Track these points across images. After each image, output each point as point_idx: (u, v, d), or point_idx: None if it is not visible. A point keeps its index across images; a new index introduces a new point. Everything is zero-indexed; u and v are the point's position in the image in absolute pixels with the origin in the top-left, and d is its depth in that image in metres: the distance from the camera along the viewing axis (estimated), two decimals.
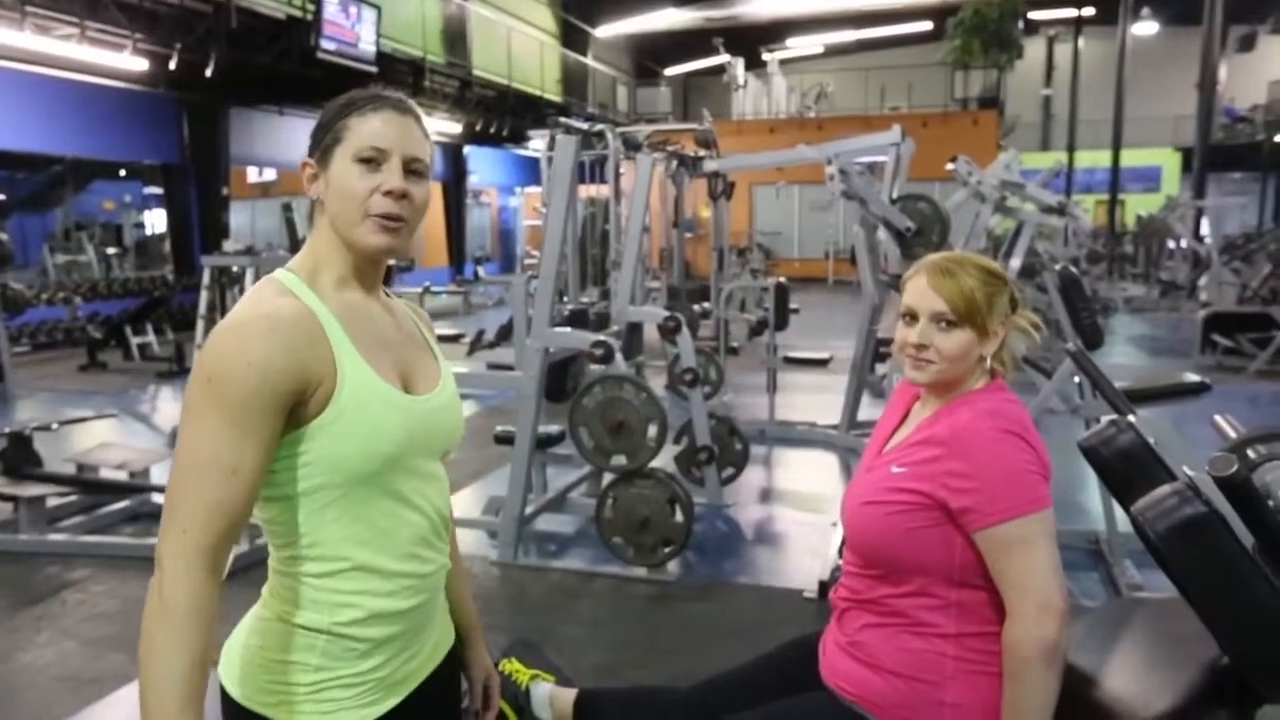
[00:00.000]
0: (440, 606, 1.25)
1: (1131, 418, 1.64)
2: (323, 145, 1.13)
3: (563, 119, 4.49)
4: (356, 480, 1.07)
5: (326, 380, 1.06)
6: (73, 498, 4.48)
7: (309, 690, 1.09)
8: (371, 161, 1.10)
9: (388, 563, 1.11)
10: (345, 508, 1.08)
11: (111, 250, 13.23)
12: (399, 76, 12.58)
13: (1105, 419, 1.56)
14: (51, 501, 4.28)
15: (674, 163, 6.52)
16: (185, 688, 0.99)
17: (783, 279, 6.47)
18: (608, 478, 3.98)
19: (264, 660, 1.10)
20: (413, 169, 1.13)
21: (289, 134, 13.35)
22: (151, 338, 9.57)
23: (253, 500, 1.04)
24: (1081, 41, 22.22)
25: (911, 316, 1.45)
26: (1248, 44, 22.38)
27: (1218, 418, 2.04)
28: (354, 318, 1.12)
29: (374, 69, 11.16)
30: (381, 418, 1.08)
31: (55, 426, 4.82)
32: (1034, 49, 24.95)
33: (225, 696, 1.13)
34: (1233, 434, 1.96)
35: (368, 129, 1.11)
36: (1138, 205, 21.52)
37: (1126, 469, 1.46)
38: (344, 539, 1.09)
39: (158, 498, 4.57)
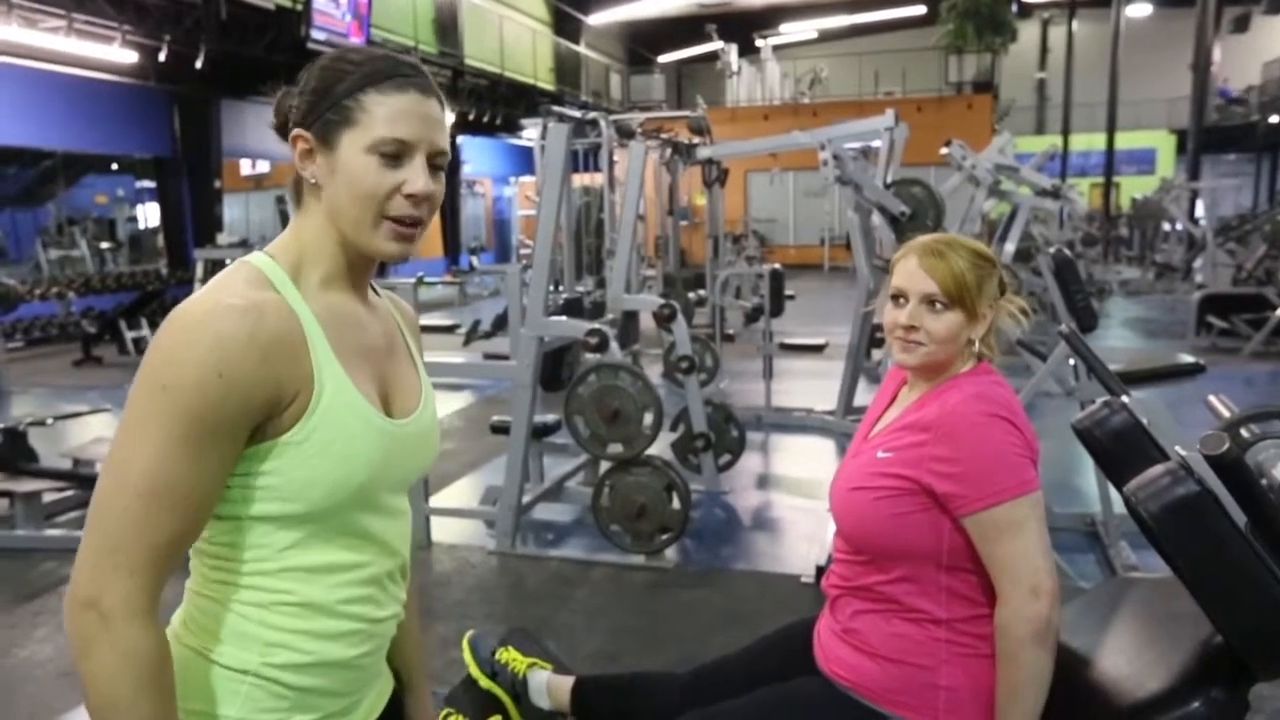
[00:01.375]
0: (383, 657, 1.08)
1: (1125, 399, 1.64)
2: (324, 118, 0.93)
3: (556, 107, 4.47)
4: (320, 510, 0.92)
5: (302, 394, 0.90)
6: (69, 493, 4.47)
7: None
8: (395, 156, 0.93)
9: (338, 604, 0.96)
10: (300, 538, 0.93)
11: (104, 245, 13.18)
12: None
13: (1099, 400, 1.56)
14: (47, 497, 4.26)
15: (668, 150, 6.51)
16: None
17: (778, 265, 6.46)
18: (604, 466, 3.98)
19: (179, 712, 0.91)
20: (436, 163, 0.96)
21: None
22: (146, 332, 9.53)
23: (204, 526, 0.90)
24: (1075, 24, 22.14)
25: (901, 298, 1.44)
26: (1241, 25, 22.33)
27: (1211, 398, 2.04)
28: (337, 323, 0.96)
29: None
30: (358, 443, 0.93)
31: (50, 422, 4.82)
32: (1028, 32, 24.91)
33: None
34: (1226, 414, 1.96)
35: (388, 114, 0.92)
36: (1132, 188, 21.52)
37: (1120, 450, 1.47)
38: (292, 571, 0.93)
39: None
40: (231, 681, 0.93)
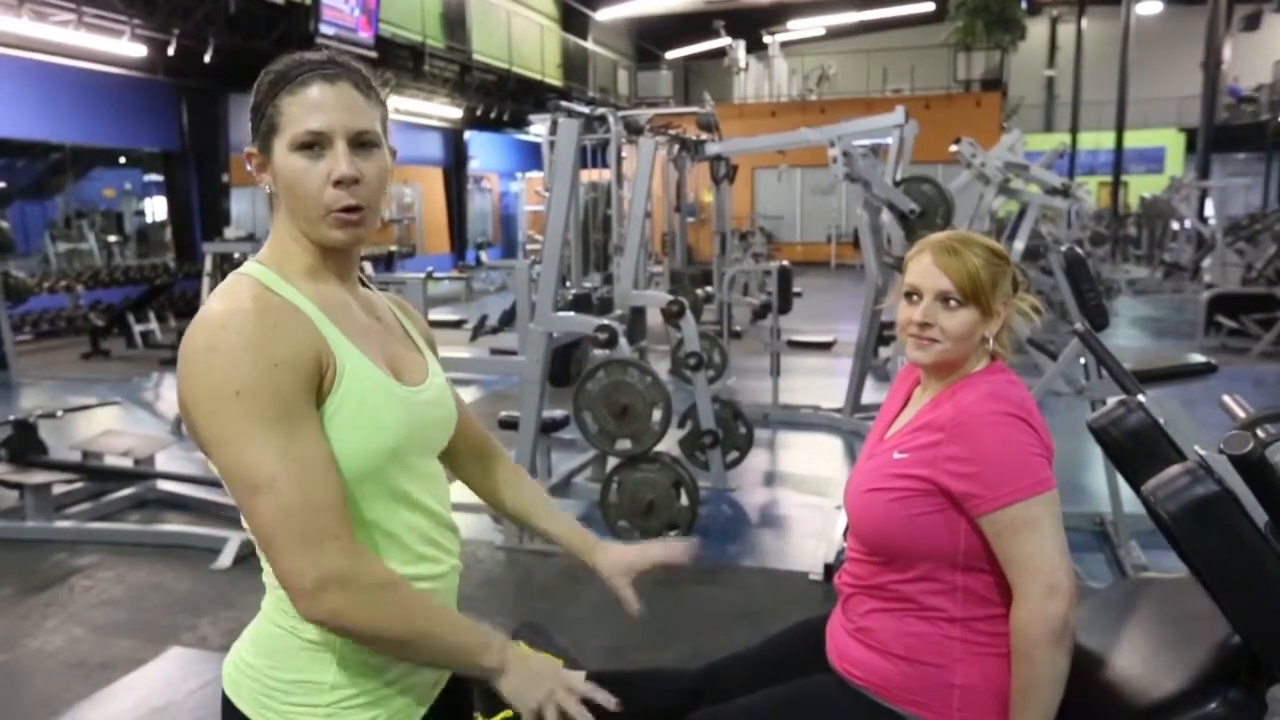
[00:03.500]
0: (453, 607, 1.18)
1: (1141, 398, 1.63)
2: (260, 132, 1.02)
3: (564, 103, 4.47)
4: (359, 478, 1.01)
5: (329, 371, 0.99)
6: (78, 485, 4.49)
7: (326, 711, 1.03)
8: (313, 147, 0.99)
9: (397, 567, 1.04)
10: (350, 508, 1.01)
11: (112, 238, 13.19)
12: (399, 61, 12.52)
13: (1113, 399, 1.55)
14: (57, 489, 4.29)
15: (676, 147, 6.51)
16: (468, 624, 1.05)
17: (785, 263, 6.45)
18: (612, 462, 3.99)
19: (276, 681, 1.04)
20: (361, 142, 1.01)
21: None
22: (154, 325, 9.58)
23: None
24: (1085, 21, 22.04)
25: (915, 295, 1.43)
26: (1253, 23, 22.20)
27: (1226, 398, 2.02)
28: (333, 308, 1.04)
29: (374, 54, 11.12)
30: (382, 410, 1.02)
31: (60, 414, 4.83)
32: (1037, 29, 24.80)
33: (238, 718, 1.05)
34: (1241, 414, 1.95)
35: (298, 110, 0.99)
36: (1141, 187, 21.42)
37: (1136, 449, 1.46)
38: None
39: (163, 485, 4.58)
40: (320, 652, 1.03)
